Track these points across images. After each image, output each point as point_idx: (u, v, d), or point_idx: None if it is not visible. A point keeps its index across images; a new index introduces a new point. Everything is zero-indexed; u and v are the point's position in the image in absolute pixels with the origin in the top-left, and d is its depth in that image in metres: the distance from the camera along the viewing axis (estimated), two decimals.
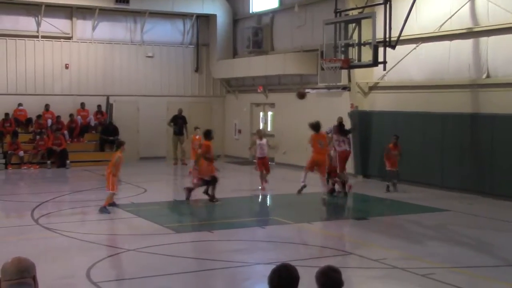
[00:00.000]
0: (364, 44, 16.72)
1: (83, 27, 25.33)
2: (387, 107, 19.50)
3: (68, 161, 23.21)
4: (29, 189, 19.38)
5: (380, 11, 16.57)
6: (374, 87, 20.18)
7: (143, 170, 22.45)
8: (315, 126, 14.73)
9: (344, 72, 19.53)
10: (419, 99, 18.36)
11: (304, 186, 14.58)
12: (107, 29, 25.71)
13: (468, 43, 16.92)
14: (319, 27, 19.04)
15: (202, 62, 27.50)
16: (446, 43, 17.54)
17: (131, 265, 9.93)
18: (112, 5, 24.68)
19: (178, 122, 24.67)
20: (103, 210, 13.80)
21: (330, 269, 3.90)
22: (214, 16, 26.75)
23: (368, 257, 10.09)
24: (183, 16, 26.91)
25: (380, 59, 16.16)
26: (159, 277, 8.98)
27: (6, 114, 23.70)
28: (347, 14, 17.86)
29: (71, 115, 24.62)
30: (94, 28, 25.38)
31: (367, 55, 16.62)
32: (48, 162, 23.02)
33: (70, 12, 25.05)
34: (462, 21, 16.94)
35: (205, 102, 27.62)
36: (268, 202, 16.95)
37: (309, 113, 22.37)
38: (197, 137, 21.12)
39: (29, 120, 24.21)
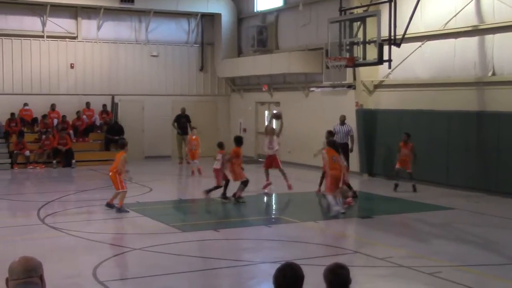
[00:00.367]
0: (369, 42, 16.71)
1: (88, 26, 25.39)
2: (392, 106, 19.47)
3: (73, 161, 23.26)
4: (35, 189, 19.42)
5: (385, 9, 16.56)
6: (379, 85, 20.15)
7: (148, 169, 22.47)
8: (333, 144, 14.09)
9: (349, 71, 19.52)
10: (425, 97, 18.32)
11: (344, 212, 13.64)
12: (112, 29, 25.76)
13: (473, 41, 16.87)
14: (324, 25, 19.02)
15: (207, 61, 27.52)
16: (451, 41, 17.50)
17: (137, 264, 9.94)
18: (117, 4, 24.72)
19: (181, 121, 24.69)
20: (121, 210, 13.84)
21: (338, 266, 3.90)
22: (219, 15, 26.76)
23: (374, 256, 10.07)
24: (188, 15, 26.94)
25: (385, 57, 16.15)
26: (165, 276, 8.99)
27: (12, 114, 23.77)
28: (352, 12, 17.85)
29: (78, 112, 24.69)
30: (99, 27, 25.43)
31: (372, 53, 16.60)
32: (54, 161, 23.07)
33: (75, 11, 25.11)
34: (468, 19, 16.89)
35: (210, 101, 27.64)
36: (274, 201, 16.93)
37: (314, 112, 22.44)
38: (193, 137, 21.14)
39: (34, 120, 24.27)
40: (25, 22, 24.44)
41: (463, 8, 16.94)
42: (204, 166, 20.08)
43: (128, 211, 13.88)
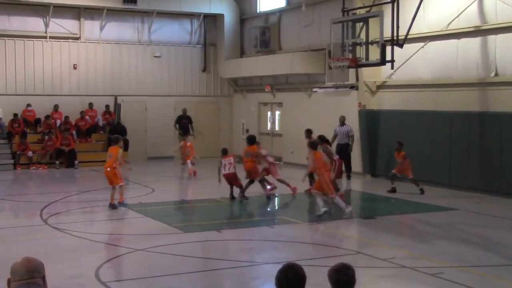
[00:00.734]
0: (372, 43, 16.71)
1: (91, 27, 25.42)
2: (395, 106, 19.46)
3: (76, 161, 23.30)
4: (37, 189, 19.44)
5: (387, 10, 16.56)
6: (382, 86, 20.14)
7: (150, 170, 22.50)
8: (314, 144, 13.87)
9: (352, 71, 19.51)
10: (427, 97, 18.31)
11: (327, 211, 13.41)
12: (114, 29, 25.79)
13: (476, 41, 16.86)
14: (327, 26, 19.01)
15: (210, 62, 27.53)
16: (454, 41, 17.49)
17: (139, 265, 9.94)
18: (119, 5, 24.74)
19: (183, 122, 24.70)
20: (122, 204, 13.98)
21: (343, 266, 3.90)
22: (222, 15, 26.77)
23: (376, 257, 10.07)
24: (191, 16, 26.96)
25: (388, 58, 16.13)
26: (167, 276, 9.00)
27: (15, 115, 23.80)
28: (355, 13, 17.85)
29: (82, 112, 24.73)
30: (102, 28, 25.46)
31: (374, 54, 16.59)
32: (57, 162, 23.10)
33: (78, 12, 25.14)
34: (470, 19, 16.88)
35: (212, 102, 27.65)
36: (276, 202, 16.93)
37: (317, 113, 22.42)
38: (188, 144, 21.12)
39: (37, 121, 24.30)
40: (28, 23, 24.48)
41: (465, 9, 16.93)
42: (204, 167, 20.08)
43: (127, 205, 14.23)
